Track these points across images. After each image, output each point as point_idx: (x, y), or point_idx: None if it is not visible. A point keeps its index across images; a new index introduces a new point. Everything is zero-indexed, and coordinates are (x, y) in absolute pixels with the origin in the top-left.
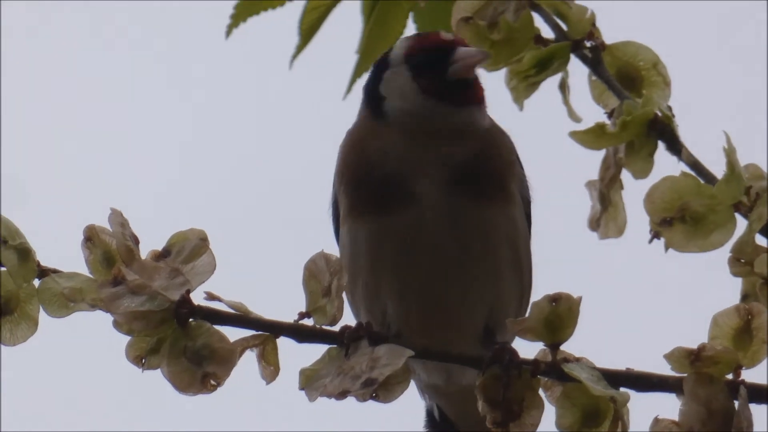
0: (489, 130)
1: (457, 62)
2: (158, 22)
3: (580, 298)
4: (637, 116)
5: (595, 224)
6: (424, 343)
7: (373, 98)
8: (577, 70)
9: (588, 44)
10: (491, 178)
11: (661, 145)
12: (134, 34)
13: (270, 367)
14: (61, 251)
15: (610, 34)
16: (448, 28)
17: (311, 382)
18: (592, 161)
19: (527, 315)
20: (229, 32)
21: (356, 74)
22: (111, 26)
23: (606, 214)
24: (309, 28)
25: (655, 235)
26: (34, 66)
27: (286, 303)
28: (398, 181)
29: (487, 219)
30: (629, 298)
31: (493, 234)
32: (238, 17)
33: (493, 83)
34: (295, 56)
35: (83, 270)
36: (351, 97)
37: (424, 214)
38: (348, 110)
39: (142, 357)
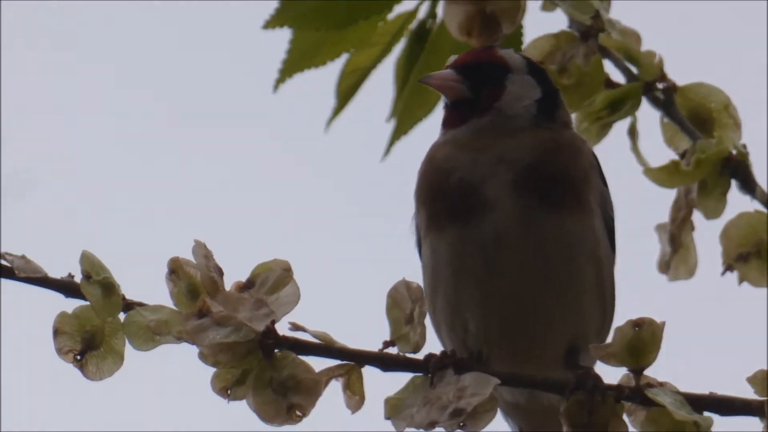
0: (554, 133)
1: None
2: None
3: (663, 323)
4: (711, 154)
5: (665, 267)
6: (506, 363)
7: None
8: (644, 114)
9: (660, 86)
10: (564, 183)
11: (733, 184)
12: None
13: (355, 397)
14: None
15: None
16: None
17: (397, 411)
18: (660, 205)
19: (611, 340)
20: (276, 87)
21: (395, 137)
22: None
23: (676, 256)
24: (346, 91)
25: (728, 267)
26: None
27: (368, 332)
28: (470, 188)
29: (564, 229)
30: (711, 321)
31: (572, 246)
32: (286, 72)
33: None
34: (331, 120)
35: (167, 302)
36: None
37: (500, 221)
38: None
39: (228, 388)
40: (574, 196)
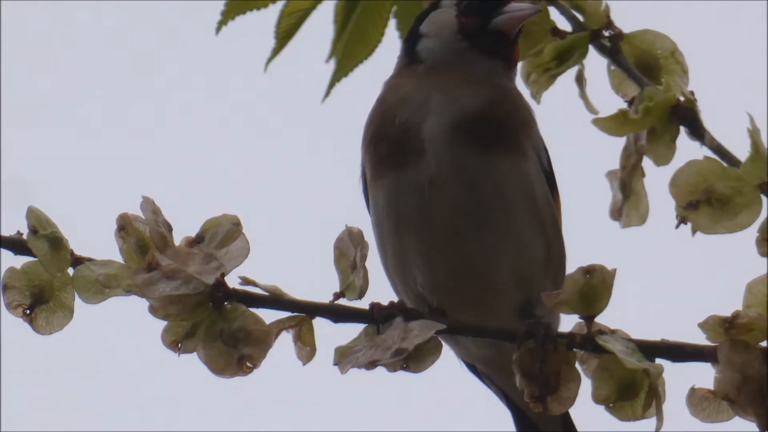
0: (510, 88)
1: (505, 14)
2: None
3: (614, 270)
4: (659, 102)
5: (617, 214)
6: (462, 315)
7: (412, 37)
8: (592, 61)
9: (606, 34)
10: (503, 129)
11: (682, 131)
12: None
13: (306, 348)
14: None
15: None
16: None
17: (344, 356)
18: (610, 153)
19: (562, 288)
20: (218, 29)
21: (335, 78)
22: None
23: (628, 203)
24: (286, 32)
25: (682, 220)
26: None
27: (320, 284)
28: (413, 130)
29: (498, 169)
30: (662, 270)
31: (505, 185)
32: (228, 15)
33: None
34: (270, 60)
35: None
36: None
37: (433, 164)
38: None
39: (178, 341)
40: (510, 141)
